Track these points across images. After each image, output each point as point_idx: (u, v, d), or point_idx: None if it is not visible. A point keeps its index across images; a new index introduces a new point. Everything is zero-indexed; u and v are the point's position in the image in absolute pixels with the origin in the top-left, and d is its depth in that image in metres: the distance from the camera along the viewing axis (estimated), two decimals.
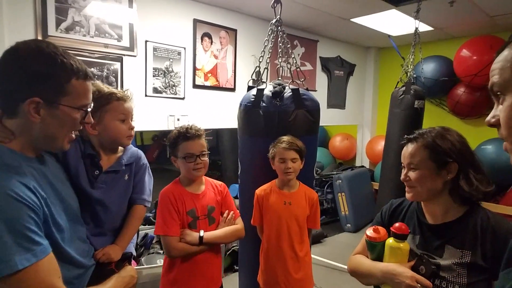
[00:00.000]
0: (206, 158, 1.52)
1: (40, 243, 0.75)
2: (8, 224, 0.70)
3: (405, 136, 1.15)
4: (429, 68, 3.96)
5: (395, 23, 3.66)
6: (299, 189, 1.74)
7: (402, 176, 1.12)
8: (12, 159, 0.79)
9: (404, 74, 3.25)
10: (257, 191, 1.75)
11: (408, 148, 1.11)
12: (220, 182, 1.64)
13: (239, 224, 1.59)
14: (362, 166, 5.02)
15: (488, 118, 0.60)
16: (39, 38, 2.22)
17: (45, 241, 0.77)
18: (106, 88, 1.15)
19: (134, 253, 1.23)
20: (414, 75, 3.31)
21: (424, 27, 3.64)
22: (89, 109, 0.90)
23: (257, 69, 2.03)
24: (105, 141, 1.13)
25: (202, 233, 1.46)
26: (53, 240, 0.81)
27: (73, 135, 0.90)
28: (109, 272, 1.02)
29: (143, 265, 2.47)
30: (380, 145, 4.31)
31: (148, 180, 1.26)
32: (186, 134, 1.47)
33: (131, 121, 1.18)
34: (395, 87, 3.25)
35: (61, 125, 0.85)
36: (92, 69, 2.49)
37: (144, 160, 1.26)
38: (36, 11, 2.23)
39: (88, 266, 0.96)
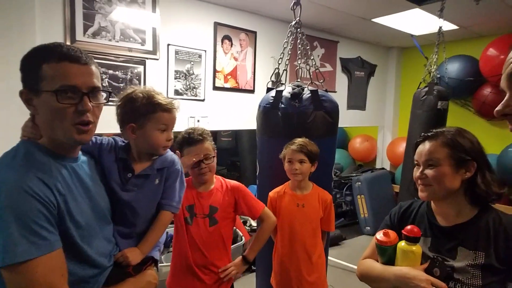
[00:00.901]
0: (211, 161, 1.50)
1: (46, 238, 0.75)
2: (17, 217, 0.72)
3: (422, 134, 1.14)
4: (453, 68, 3.85)
5: (418, 22, 3.58)
6: (312, 191, 1.73)
7: (418, 174, 1.10)
8: (41, 155, 0.83)
9: (427, 74, 3.18)
10: (270, 194, 1.76)
11: (426, 146, 1.09)
12: (234, 183, 1.61)
13: (265, 220, 1.58)
14: (383, 168, 4.93)
15: (500, 107, 0.57)
16: (68, 43, 2.32)
17: (54, 237, 0.77)
18: (156, 95, 1.12)
19: (158, 258, 1.20)
20: (438, 75, 3.24)
21: (448, 26, 3.55)
22: (102, 93, 0.89)
23: (276, 70, 2.05)
24: (142, 147, 1.13)
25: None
26: (69, 237, 0.82)
27: (84, 128, 0.85)
28: (125, 275, 1.00)
29: (162, 262, 2.53)
30: (402, 147, 4.23)
31: (179, 186, 1.22)
32: (188, 140, 1.47)
33: (171, 131, 1.16)
34: (418, 88, 3.19)
35: (50, 112, 0.82)
36: (117, 72, 2.59)
37: (178, 165, 1.22)
38: (65, 17, 2.34)
39: (105, 267, 0.95)
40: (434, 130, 1.12)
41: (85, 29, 2.41)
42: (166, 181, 1.17)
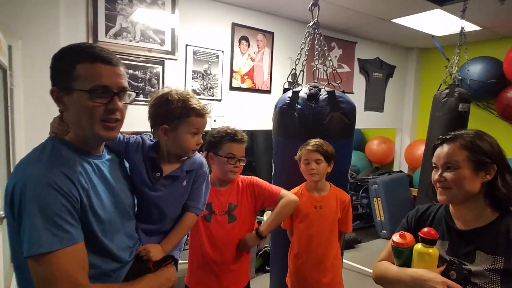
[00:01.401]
0: (244, 163, 1.55)
1: (68, 231, 0.77)
2: (41, 209, 0.75)
3: (441, 136, 1.12)
4: (476, 70, 3.75)
5: (440, 23, 3.51)
6: (330, 192, 1.72)
7: (436, 177, 1.08)
8: (67, 151, 0.86)
9: (448, 76, 3.11)
10: None
11: (444, 149, 1.08)
12: (247, 177, 1.61)
13: (285, 196, 1.56)
14: (400, 171, 4.85)
15: None
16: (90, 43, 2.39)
17: (76, 231, 0.79)
18: (191, 98, 1.12)
19: (178, 258, 1.22)
20: (459, 77, 3.16)
21: (471, 27, 3.46)
22: (130, 94, 0.92)
23: (293, 71, 2.05)
24: (172, 148, 1.14)
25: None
26: (91, 231, 0.84)
27: (111, 125, 0.89)
28: (145, 270, 1.01)
29: (179, 260, 2.56)
30: (420, 149, 4.14)
31: (206, 189, 1.24)
32: (234, 136, 1.51)
33: (201, 135, 1.18)
34: (438, 90, 3.12)
35: (80, 110, 0.85)
36: (137, 72, 2.65)
37: (205, 168, 1.23)
38: (88, 18, 2.41)
39: (126, 261, 0.97)
40: (452, 133, 1.11)
41: (107, 29, 2.48)
42: (194, 183, 1.18)
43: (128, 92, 0.93)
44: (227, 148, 1.50)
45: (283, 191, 1.58)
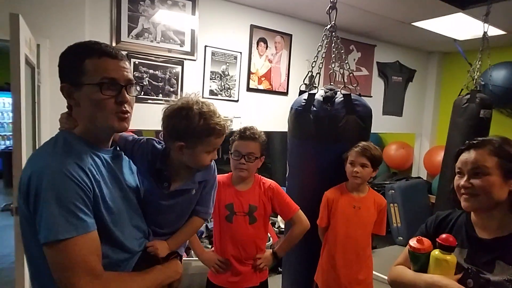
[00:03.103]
0: (252, 161, 1.53)
1: (83, 219, 0.79)
2: (58, 198, 0.77)
3: (467, 141, 1.10)
4: (499, 75, 3.64)
5: (462, 26, 3.43)
6: (368, 194, 1.76)
7: (463, 183, 1.05)
8: (77, 144, 0.89)
9: (470, 81, 3.03)
10: (327, 193, 1.78)
11: (472, 154, 1.05)
12: (270, 182, 1.63)
13: (298, 223, 1.57)
14: (419, 177, 4.75)
15: None
16: (113, 43, 2.47)
17: (90, 220, 0.81)
18: (213, 116, 1.05)
19: (183, 254, 1.23)
20: (482, 83, 3.08)
21: (494, 31, 3.37)
22: (136, 87, 0.95)
23: (310, 73, 2.06)
24: (185, 162, 1.08)
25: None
26: (102, 221, 0.86)
27: (123, 115, 0.91)
28: (154, 262, 1.02)
29: (192, 257, 2.61)
30: (440, 155, 4.04)
31: (214, 193, 1.20)
32: (241, 134, 1.54)
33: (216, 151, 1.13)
34: (459, 95, 3.05)
35: (92, 104, 0.88)
36: (157, 72, 2.71)
37: (215, 172, 1.19)
38: (112, 19, 2.49)
39: (135, 252, 0.99)
40: (479, 138, 1.08)
41: (130, 30, 2.56)
42: (203, 189, 1.15)
43: (134, 85, 0.96)
44: (234, 145, 1.55)
45: (298, 214, 1.58)
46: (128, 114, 0.94)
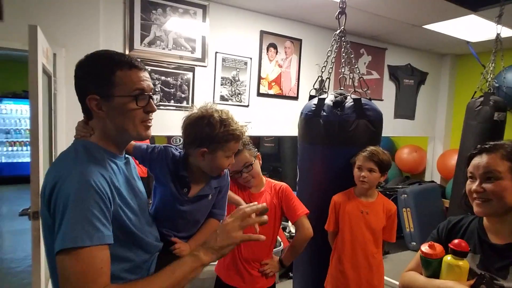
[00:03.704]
0: (251, 169, 1.55)
1: (99, 230, 0.79)
2: (77, 206, 0.78)
3: (478, 146, 1.09)
4: None
5: (475, 28, 3.39)
6: (377, 199, 1.74)
7: (475, 187, 1.04)
8: (97, 152, 0.91)
9: (484, 84, 2.99)
10: (335, 197, 1.78)
11: (483, 158, 1.04)
12: (280, 184, 1.64)
13: (301, 228, 1.56)
14: (432, 181, 4.68)
15: None
16: (127, 51, 2.53)
17: (107, 231, 0.81)
18: (231, 122, 1.12)
19: None
20: (496, 85, 3.03)
21: (508, 32, 3.31)
22: (154, 96, 0.97)
23: (320, 78, 2.06)
24: (205, 168, 1.14)
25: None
26: (126, 226, 0.89)
27: (148, 124, 0.96)
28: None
29: None
30: (454, 159, 3.97)
31: (227, 196, 1.28)
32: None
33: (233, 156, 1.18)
34: (472, 97, 3.01)
35: (123, 115, 0.91)
36: (169, 78, 2.76)
37: (228, 178, 1.26)
38: (125, 28, 2.56)
39: (154, 252, 1.02)
40: (491, 143, 1.07)
41: (142, 38, 2.61)
42: (219, 194, 1.22)
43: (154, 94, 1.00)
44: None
45: (302, 219, 1.57)
46: (151, 122, 0.98)
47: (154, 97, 1.00)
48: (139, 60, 0.96)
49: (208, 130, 1.07)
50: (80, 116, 1.00)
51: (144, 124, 0.95)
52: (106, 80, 0.90)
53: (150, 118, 0.97)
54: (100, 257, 0.79)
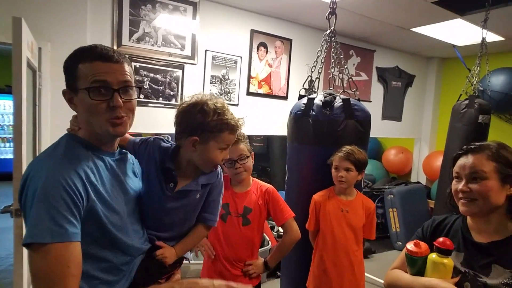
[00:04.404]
0: (246, 161, 1.53)
1: (62, 226, 0.75)
2: (43, 202, 0.75)
3: (464, 146, 1.10)
4: (498, 81, 3.67)
5: (461, 32, 3.46)
6: (356, 198, 1.76)
7: (461, 187, 1.05)
8: (79, 148, 0.88)
9: (469, 87, 3.05)
10: (315, 196, 1.78)
11: (469, 159, 1.06)
12: (268, 186, 1.63)
13: (289, 232, 1.56)
14: (418, 182, 4.76)
15: None
16: (115, 47, 2.49)
17: (72, 228, 0.77)
18: (226, 111, 1.06)
19: (189, 257, 1.25)
20: (481, 88, 3.10)
21: (493, 37, 3.40)
22: (131, 91, 0.91)
23: (309, 78, 2.07)
24: (195, 160, 1.07)
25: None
26: (101, 224, 0.85)
27: (117, 121, 0.88)
28: (162, 269, 1.04)
29: (190, 260, 2.61)
30: (439, 160, 4.05)
31: (220, 199, 1.18)
32: None
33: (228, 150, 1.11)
34: (457, 100, 3.07)
35: (87, 110, 0.87)
36: (158, 75, 2.73)
37: (221, 178, 1.17)
38: (113, 23, 2.51)
39: (136, 255, 0.97)
40: (477, 143, 1.09)
41: (131, 34, 2.58)
42: (209, 195, 1.13)
43: (134, 87, 0.93)
44: None
45: (289, 222, 1.57)
46: (124, 118, 0.90)
47: (135, 93, 0.94)
48: (123, 54, 0.92)
49: (200, 118, 1.01)
50: (65, 112, 0.98)
51: (111, 121, 0.88)
52: (71, 74, 0.88)
53: (119, 114, 0.88)
54: (66, 255, 0.75)
